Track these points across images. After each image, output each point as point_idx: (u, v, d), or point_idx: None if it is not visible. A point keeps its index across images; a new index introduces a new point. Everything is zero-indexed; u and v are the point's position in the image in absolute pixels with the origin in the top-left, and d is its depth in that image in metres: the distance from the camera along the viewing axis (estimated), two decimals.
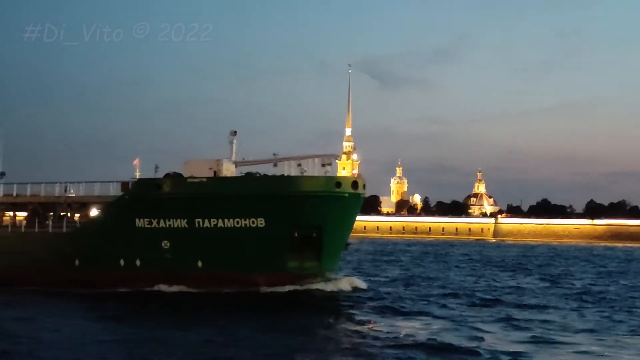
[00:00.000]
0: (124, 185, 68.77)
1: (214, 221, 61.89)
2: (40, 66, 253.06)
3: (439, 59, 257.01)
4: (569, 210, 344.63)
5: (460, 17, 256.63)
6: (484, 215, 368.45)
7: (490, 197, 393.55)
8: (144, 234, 63.22)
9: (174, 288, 62.13)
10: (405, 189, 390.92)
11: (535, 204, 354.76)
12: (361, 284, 64.69)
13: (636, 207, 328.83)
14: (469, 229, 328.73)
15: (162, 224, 62.92)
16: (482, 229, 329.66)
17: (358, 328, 46.08)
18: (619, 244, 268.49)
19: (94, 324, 47.99)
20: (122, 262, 64.15)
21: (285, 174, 64.08)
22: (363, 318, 49.92)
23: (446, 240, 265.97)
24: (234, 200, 61.47)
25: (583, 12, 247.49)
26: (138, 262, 63.79)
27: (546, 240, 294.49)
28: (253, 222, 61.32)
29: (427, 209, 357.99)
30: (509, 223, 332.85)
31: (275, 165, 65.21)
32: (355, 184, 62.12)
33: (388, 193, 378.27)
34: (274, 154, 65.27)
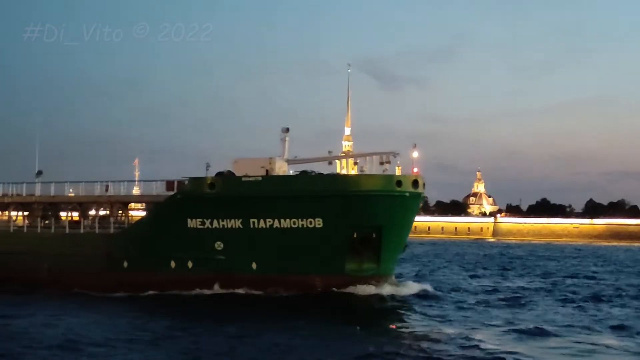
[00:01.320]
0: (169, 184, 65.75)
1: (269, 221, 58.75)
2: (40, 66, 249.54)
3: (438, 58, 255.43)
4: (568, 209, 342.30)
5: (460, 16, 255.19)
6: (483, 214, 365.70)
7: (489, 196, 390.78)
8: (196, 234, 60.04)
9: (227, 291, 59.11)
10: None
11: (534, 203, 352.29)
12: (421, 286, 61.41)
13: (635, 206, 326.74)
14: (468, 228, 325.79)
15: (215, 224, 59.73)
16: (481, 228, 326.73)
17: (420, 334, 43.03)
18: (619, 244, 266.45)
19: (142, 328, 44.96)
20: (172, 264, 60.96)
21: (340, 172, 60.96)
22: (425, 323, 46.86)
23: (446, 240, 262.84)
24: (291, 199, 58.34)
25: (584, 11, 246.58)
26: (190, 264, 60.60)
27: (545, 240, 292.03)
28: (311, 223, 58.18)
29: (426, 208, 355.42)
30: (508, 222, 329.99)
31: (330, 163, 62.16)
32: (415, 183, 59.08)
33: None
34: (329, 152, 62.30)
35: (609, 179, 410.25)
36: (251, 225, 59.00)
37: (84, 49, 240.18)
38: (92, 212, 73.41)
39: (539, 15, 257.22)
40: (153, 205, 63.94)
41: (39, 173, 74.31)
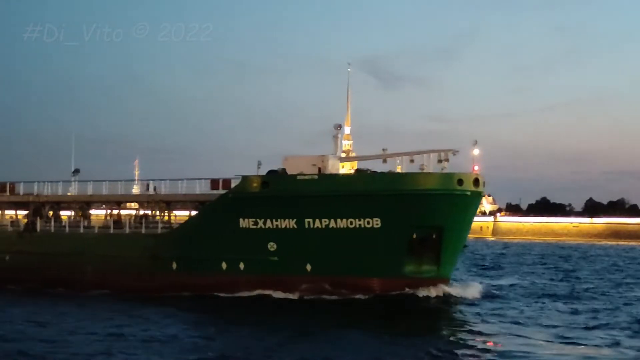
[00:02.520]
0: (214, 183, 62.69)
1: (325, 221, 55.60)
2: (41, 66, 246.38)
3: (439, 57, 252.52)
4: (567, 208, 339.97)
5: (461, 15, 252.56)
6: (483, 213, 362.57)
7: (489, 195, 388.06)
8: (248, 235, 56.85)
9: (280, 293, 55.99)
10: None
11: (534, 202, 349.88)
12: (481, 288, 58.25)
13: (635, 205, 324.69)
14: None
15: (268, 224, 56.57)
16: (481, 227, 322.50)
17: (478, 341, 40.00)
18: (618, 243, 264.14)
19: (192, 332, 42.30)
20: (224, 266, 57.76)
21: (396, 171, 57.81)
22: (483, 329, 43.49)
23: None
24: (347, 199, 55.20)
25: (585, 10, 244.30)
26: (241, 266, 57.42)
27: (545, 239, 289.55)
28: (368, 223, 55.08)
29: None
30: (508, 222, 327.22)
31: (384, 161, 58.90)
32: (476, 182, 55.99)
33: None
34: (383, 150, 59.03)
35: (608, 178, 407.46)
36: (306, 226, 55.87)
37: (84, 49, 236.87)
38: (130, 212, 70.37)
39: (540, 14, 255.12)
40: (204, 204, 60.59)
41: (76, 171, 71.07)
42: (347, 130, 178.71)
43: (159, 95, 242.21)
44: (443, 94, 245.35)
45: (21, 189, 72.68)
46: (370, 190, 55.26)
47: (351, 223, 55.24)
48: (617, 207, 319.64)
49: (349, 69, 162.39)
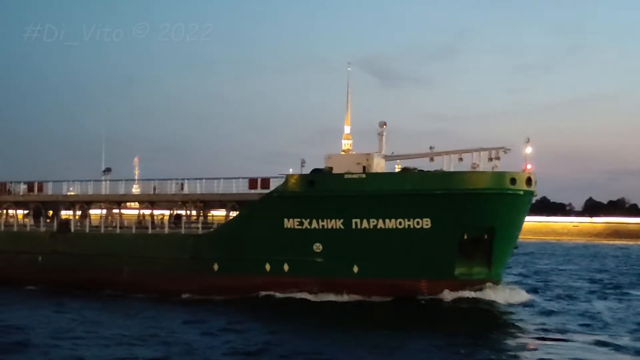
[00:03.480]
0: (252, 182, 60.19)
1: (373, 222, 53.07)
2: (40, 66, 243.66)
3: (439, 56, 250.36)
4: (568, 208, 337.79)
5: (461, 14, 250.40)
6: None
7: None
8: (293, 235, 54.28)
9: (326, 296, 53.47)
10: None
11: (534, 201, 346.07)
12: (526, 295, 55.48)
13: (635, 205, 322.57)
14: None
15: (314, 224, 53.99)
16: None
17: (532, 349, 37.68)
18: (618, 242, 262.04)
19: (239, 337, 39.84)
20: (267, 267, 55.20)
21: (444, 169, 55.21)
22: (537, 336, 40.81)
23: None
24: (397, 198, 52.69)
25: (586, 9, 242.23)
26: (286, 267, 54.85)
27: (545, 239, 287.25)
28: (418, 223, 52.56)
29: None
30: None
31: (431, 159, 56.28)
32: (529, 181, 53.50)
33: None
34: (431, 147, 56.39)
35: (609, 177, 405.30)
36: (353, 226, 53.34)
37: (84, 49, 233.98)
38: (165, 212, 67.84)
39: (540, 13, 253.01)
40: (247, 204, 57.98)
41: (108, 170, 68.38)
42: (347, 129, 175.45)
43: (158, 95, 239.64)
44: (443, 93, 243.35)
45: (50, 188, 70.13)
46: (421, 189, 52.75)
47: (400, 223, 52.76)
48: (617, 207, 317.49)
49: (349, 68, 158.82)
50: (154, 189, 66.09)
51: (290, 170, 57.98)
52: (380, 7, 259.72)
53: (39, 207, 69.42)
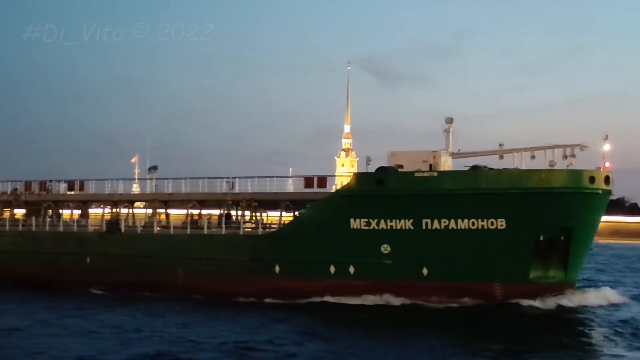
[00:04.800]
0: (308, 180, 56.93)
1: (444, 222, 49.73)
2: (40, 65, 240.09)
3: (439, 55, 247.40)
4: None
5: (461, 13, 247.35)
6: None
7: None
8: (360, 236, 50.93)
9: (394, 299, 50.15)
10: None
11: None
12: (617, 297, 52.26)
13: (635, 204, 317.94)
14: None
15: (382, 225, 50.65)
16: None
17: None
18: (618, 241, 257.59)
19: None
20: (332, 269, 51.84)
21: (515, 167, 51.88)
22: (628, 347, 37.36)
23: None
24: (470, 198, 49.36)
25: (586, 8, 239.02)
26: (352, 269, 51.49)
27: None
28: (492, 224, 49.21)
29: None
30: None
31: (501, 157, 52.96)
32: (607, 180, 50.23)
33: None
34: (500, 145, 53.09)
35: None
36: (423, 226, 50.01)
37: (84, 49, 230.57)
38: (210, 211, 64.51)
39: (541, 12, 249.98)
40: (312, 204, 54.67)
41: (154, 168, 64.93)
42: (346, 129, 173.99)
43: (158, 94, 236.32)
44: (443, 92, 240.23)
45: (92, 187, 66.80)
46: (496, 188, 49.39)
47: (473, 224, 49.43)
48: (617, 206, 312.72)
49: (348, 68, 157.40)
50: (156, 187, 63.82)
51: (290, 170, 55.44)
52: (380, 6, 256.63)
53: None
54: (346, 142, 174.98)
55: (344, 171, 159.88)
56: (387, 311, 48.72)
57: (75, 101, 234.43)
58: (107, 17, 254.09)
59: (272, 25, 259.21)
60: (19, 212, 70.54)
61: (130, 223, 62.29)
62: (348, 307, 49.52)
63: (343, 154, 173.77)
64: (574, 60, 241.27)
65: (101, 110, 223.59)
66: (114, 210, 64.64)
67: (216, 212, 64.84)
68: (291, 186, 58.50)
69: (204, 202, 62.54)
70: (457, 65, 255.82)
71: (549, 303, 48.72)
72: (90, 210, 69.46)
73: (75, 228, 63.33)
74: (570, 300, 49.38)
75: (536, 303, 48.59)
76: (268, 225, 58.13)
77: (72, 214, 68.30)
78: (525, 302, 48.83)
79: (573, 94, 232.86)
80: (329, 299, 50.77)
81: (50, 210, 67.41)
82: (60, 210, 67.55)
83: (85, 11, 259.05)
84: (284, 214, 59.41)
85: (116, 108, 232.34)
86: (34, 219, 65.49)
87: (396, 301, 49.89)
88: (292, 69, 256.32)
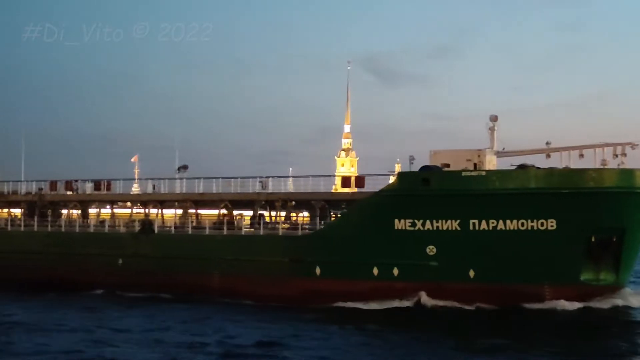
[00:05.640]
0: (345, 180, 55.10)
1: (492, 222, 47.70)
2: (41, 65, 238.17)
3: (439, 55, 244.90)
4: None
5: (461, 13, 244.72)
6: None
7: None
8: (404, 237, 48.88)
9: (439, 302, 48.19)
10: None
11: None
12: None
13: None
14: None
15: (427, 225, 48.61)
16: None
17: None
18: None
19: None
20: (375, 271, 49.84)
21: (566, 166, 49.87)
22: None
23: None
24: (520, 197, 47.36)
25: (587, 7, 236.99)
26: (395, 271, 49.48)
27: None
28: (542, 224, 47.19)
29: None
30: None
31: (548, 156, 50.95)
32: None
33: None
34: (547, 143, 51.08)
35: None
36: (471, 227, 47.99)
37: (84, 49, 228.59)
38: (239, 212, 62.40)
39: (541, 11, 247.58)
40: (355, 203, 52.70)
41: (184, 167, 62.83)
42: (346, 128, 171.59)
43: (158, 94, 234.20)
44: (443, 92, 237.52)
45: (120, 186, 64.92)
46: (546, 187, 47.41)
47: (522, 224, 47.42)
48: None
49: (348, 67, 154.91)
50: (154, 187, 62.77)
51: (290, 169, 53.46)
52: (380, 5, 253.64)
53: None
54: (346, 142, 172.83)
55: (343, 171, 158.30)
56: (435, 314, 46.85)
57: (75, 101, 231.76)
58: (107, 17, 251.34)
59: (272, 25, 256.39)
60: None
61: (160, 223, 60.17)
62: (393, 309, 47.69)
63: (343, 153, 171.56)
64: (575, 60, 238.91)
65: (101, 110, 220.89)
66: (145, 210, 62.62)
67: (246, 212, 62.86)
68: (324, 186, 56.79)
69: (235, 202, 60.46)
70: (457, 64, 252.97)
71: (600, 306, 46.92)
72: (116, 210, 67.49)
73: (106, 229, 61.28)
74: (622, 303, 47.38)
75: (587, 306, 46.76)
76: (304, 226, 56.06)
77: (99, 214, 66.28)
78: (576, 305, 46.88)
79: (573, 93, 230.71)
80: (371, 301, 48.85)
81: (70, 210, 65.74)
82: (73, 210, 65.75)
83: (85, 11, 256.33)
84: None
85: (116, 108, 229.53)
86: (62, 219, 63.51)
87: (442, 303, 48.00)
88: (291, 68, 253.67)
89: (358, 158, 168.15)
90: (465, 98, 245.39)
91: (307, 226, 56.78)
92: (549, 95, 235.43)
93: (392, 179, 51.55)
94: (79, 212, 67.19)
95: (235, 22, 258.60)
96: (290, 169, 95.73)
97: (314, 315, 45.63)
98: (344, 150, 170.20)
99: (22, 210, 69.27)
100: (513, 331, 41.92)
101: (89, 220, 64.07)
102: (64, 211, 67.41)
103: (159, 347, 35.30)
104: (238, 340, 37.22)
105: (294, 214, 59.26)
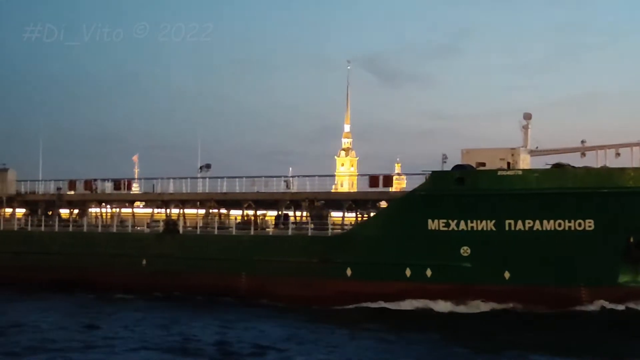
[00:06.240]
0: (373, 179, 53.78)
1: (529, 223, 46.33)
2: (40, 66, 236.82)
3: (439, 54, 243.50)
4: None
5: (462, 12, 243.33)
6: None
7: None
8: (438, 238, 47.51)
9: (473, 303, 46.85)
10: (404, 185, 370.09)
11: None
12: None
13: None
14: None
15: (462, 226, 47.25)
16: None
17: None
18: None
19: None
20: (408, 272, 48.48)
21: (604, 165, 48.51)
22: None
23: None
24: (557, 197, 46.00)
25: (587, 7, 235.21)
26: (429, 273, 48.13)
27: None
28: (580, 225, 45.84)
29: None
30: None
31: (583, 155, 49.64)
32: None
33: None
34: (582, 142, 49.76)
35: None
36: (506, 228, 46.63)
37: (84, 49, 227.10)
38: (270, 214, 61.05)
39: (542, 11, 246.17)
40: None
41: (207, 166, 61.41)
42: (346, 128, 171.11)
43: (158, 94, 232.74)
44: (443, 91, 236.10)
45: (141, 185, 63.60)
46: (584, 187, 46.02)
47: (559, 225, 46.06)
48: None
49: (348, 67, 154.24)
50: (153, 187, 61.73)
51: (290, 169, 52.11)
52: (380, 5, 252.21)
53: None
54: (346, 142, 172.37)
55: (343, 171, 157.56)
56: (471, 317, 45.50)
57: (75, 101, 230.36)
58: (107, 17, 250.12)
59: (272, 25, 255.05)
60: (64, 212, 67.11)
61: (183, 224, 58.84)
62: (429, 312, 46.39)
63: (343, 153, 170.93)
64: (576, 59, 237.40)
65: (101, 110, 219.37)
66: (166, 210, 61.29)
67: (269, 212, 61.57)
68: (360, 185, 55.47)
69: (258, 202, 59.09)
70: (457, 63, 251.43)
71: (638, 307, 45.63)
72: (136, 210, 66.17)
73: (129, 229, 59.93)
74: None
75: (625, 308, 45.47)
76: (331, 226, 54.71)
77: (119, 214, 64.89)
78: (613, 307, 45.59)
79: (574, 92, 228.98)
80: (404, 302, 47.58)
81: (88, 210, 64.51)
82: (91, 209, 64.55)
83: (85, 11, 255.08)
84: (346, 214, 56.22)
85: (116, 108, 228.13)
86: (85, 219, 62.19)
87: (477, 306, 46.66)
88: (291, 68, 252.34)
89: (358, 157, 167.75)
90: (466, 97, 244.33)
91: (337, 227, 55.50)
92: (550, 95, 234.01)
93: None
94: (98, 211, 65.92)
95: (236, 22, 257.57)
96: (290, 168, 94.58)
97: (341, 316, 44.62)
98: (343, 149, 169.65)
99: (41, 210, 67.91)
100: (556, 333, 40.64)
101: (109, 220, 62.66)
102: (75, 211, 66.23)
103: None
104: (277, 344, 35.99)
105: (325, 215, 57.59)
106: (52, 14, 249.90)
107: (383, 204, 54.60)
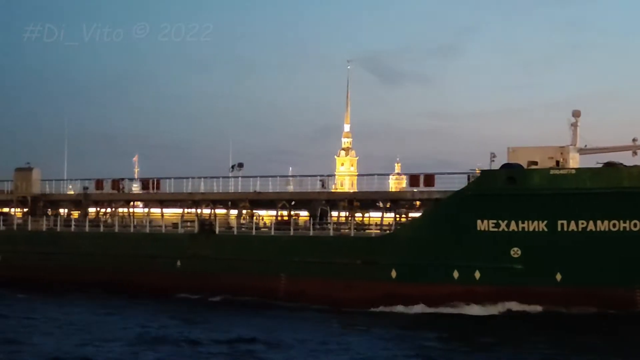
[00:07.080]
0: (413, 179, 51.89)
1: (582, 223, 44.42)
2: (40, 66, 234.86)
3: (440, 53, 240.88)
4: None
5: (462, 11, 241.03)
6: None
7: None
8: (487, 238, 45.60)
9: (523, 306, 44.95)
10: (404, 185, 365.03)
11: None
12: None
13: None
14: None
15: (512, 226, 45.34)
16: None
17: None
18: None
19: None
20: (455, 274, 46.58)
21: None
22: None
23: None
24: (612, 197, 44.10)
25: (588, 5, 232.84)
26: (477, 275, 46.21)
27: None
28: (635, 225, 43.93)
29: None
30: None
31: (634, 153, 47.76)
32: None
33: (387, 189, 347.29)
34: (633, 140, 47.89)
35: None
36: (559, 228, 44.72)
37: (84, 49, 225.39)
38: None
39: (543, 10, 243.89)
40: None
41: (239, 166, 59.49)
42: (346, 128, 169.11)
43: (158, 94, 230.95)
44: (445, 91, 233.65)
45: (172, 185, 61.76)
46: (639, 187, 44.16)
47: (614, 225, 44.16)
48: None
49: (348, 67, 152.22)
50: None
51: (290, 169, 50.22)
52: (380, 4, 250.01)
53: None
54: (346, 141, 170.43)
55: (343, 170, 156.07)
56: (525, 320, 43.62)
57: (75, 101, 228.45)
58: (107, 17, 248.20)
59: (272, 25, 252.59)
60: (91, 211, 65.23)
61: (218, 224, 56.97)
62: (479, 316, 44.50)
63: (343, 153, 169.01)
64: (576, 58, 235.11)
65: (100, 110, 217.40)
66: (198, 210, 59.40)
67: (302, 212, 59.67)
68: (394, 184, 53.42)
69: (292, 202, 57.18)
70: (458, 63, 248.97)
71: None
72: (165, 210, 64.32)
73: (163, 229, 58.05)
74: None
75: None
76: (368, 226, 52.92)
77: (148, 214, 63.06)
78: None
79: (575, 92, 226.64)
80: (451, 305, 45.71)
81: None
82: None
83: (85, 11, 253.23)
84: (385, 214, 54.31)
85: (116, 108, 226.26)
86: (116, 219, 60.36)
87: (528, 308, 44.80)
88: (291, 68, 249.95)
89: (358, 157, 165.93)
90: (467, 97, 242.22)
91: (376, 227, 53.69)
92: (551, 94, 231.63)
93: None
94: (126, 211, 64.11)
95: (236, 22, 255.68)
96: (290, 168, 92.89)
97: (389, 320, 43.11)
98: (343, 149, 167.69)
99: (67, 210, 66.14)
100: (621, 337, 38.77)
101: (138, 221, 60.85)
102: (102, 210, 64.52)
103: None
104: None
105: (363, 215, 55.73)
106: (52, 14, 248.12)
107: (419, 204, 52.94)
